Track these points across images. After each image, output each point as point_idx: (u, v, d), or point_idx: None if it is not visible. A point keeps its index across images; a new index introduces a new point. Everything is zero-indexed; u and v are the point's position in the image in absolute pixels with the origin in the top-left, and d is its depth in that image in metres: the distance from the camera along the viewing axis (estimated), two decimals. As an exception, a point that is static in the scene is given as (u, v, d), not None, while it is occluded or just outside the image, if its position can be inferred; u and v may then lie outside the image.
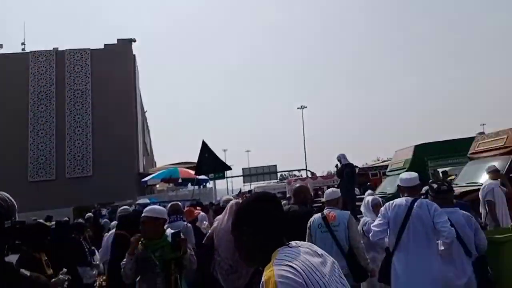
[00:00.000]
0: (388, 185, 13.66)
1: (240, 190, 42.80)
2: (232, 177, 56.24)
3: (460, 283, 4.11)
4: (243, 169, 44.67)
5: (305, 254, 1.54)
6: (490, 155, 9.99)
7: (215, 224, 4.65)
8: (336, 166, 10.73)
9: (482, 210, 7.25)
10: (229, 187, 65.80)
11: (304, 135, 50.35)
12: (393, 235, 4.15)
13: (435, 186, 4.59)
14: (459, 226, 4.20)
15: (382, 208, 4.39)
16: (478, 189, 7.77)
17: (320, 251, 1.65)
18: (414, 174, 4.49)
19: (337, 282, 1.59)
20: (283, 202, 11.52)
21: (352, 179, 10.32)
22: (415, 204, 4.10)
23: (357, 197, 10.80)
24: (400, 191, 4.52)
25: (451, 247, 4.09)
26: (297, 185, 6.12)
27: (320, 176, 30.11)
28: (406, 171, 12.48)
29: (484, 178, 9.33)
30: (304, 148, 51.03)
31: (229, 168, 14.88)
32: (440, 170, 13.40)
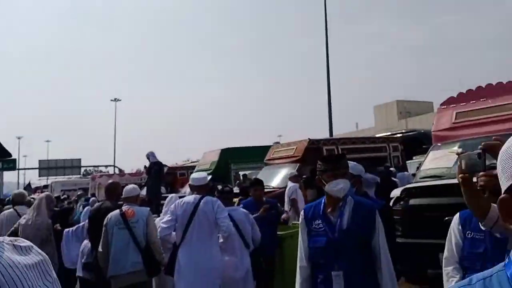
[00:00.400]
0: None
1: (29, 182, 38.19)
2: (25, 169, 49.48)
3: (239, 273, 4.67)
4: (40, 161, 40.08)
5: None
6: (282, 162, 11.38)
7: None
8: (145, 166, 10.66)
9: (286, 206, 8.54)
10: (21, 180, 57.88)
11: (115, 129, 48.08)
12: (180, 230, 4.44)
13: (219, 187, 5.27)
14: (240, 222, 4.77)
15: (172, 206, 4.67)
16: (273, 191, 8.84)
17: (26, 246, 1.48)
18: (203, 174, 5.00)
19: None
20: (92, 199, 10.75)
21: (159, 177, 10.32)
22: (202, 200, 4.47)
23: (163, 195, 10.84)
24: (191, 189, 4.85)
25: (229, 240, 4.55)
26: (110, 181, 6.05)
27: (128, 173, 29.14)
28: (212, 172, 13.24)
29: (276, 182, 10.56)
30: (114, 144, 48.75)
31: (8, 155, 13.05)
32: (241, 173, 14.55)
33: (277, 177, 10.72)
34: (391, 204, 6.29)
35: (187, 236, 4.37)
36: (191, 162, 27.68)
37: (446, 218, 5.37)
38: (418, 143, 14.65)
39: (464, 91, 8.01)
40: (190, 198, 4.57)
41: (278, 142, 17.48)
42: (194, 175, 4.99)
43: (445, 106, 8.03)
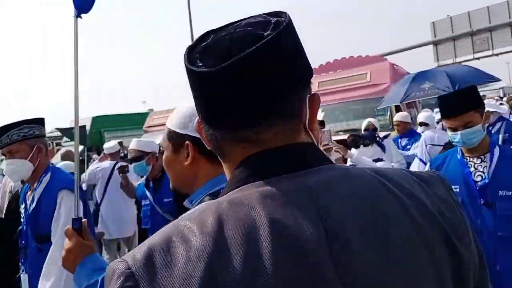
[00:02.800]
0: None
1: None
2: None
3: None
4: None
5: None
6: (162, 129, 11.67)
7: None
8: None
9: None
10: None
11: None
12: (100, 191, 5.15)
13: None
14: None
15: (90, 171, 5.29)
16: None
17: None
18: (113, 143, 5.64)
19: None
20: None
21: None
22: (116, 166, 5.06)
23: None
24: (104, 157, 5.65)
25: None
26: None
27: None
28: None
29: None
30: None
31: None
32: (117, 141, 14.34)
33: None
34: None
35: (106, 195, 5.08)
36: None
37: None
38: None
39: (324, 63, 9.45)
40: (106, 163, 5.34)
41: (151, 109, 17.48)
42: (107, 144, 5.72)
43: (309, 76, 9.36)
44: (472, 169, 2.16)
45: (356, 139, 4.08)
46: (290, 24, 0.63)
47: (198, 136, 0.72)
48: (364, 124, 4.75)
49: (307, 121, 0.64)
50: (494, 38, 22.12)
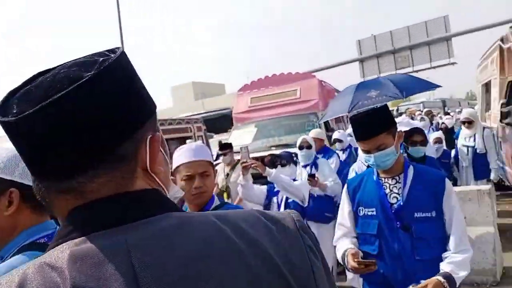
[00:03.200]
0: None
1: None
2: None
3: None
4: None
5: None
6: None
7: None
8: None
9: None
10: None
11: None
12: None
13: None
14: None
15: None
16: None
17: None
18: None
19: None
20: None
21: None
22: None
23: None
24: None
25: None
26: None
27: None
28: None
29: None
30: None
31: None
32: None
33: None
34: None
35: None
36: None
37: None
38: (218, 123, 16.25)
39: (253, 78, 9.61)
40: None
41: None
42: None
43: (242, 92, 9.47)
44: (387, 190, 2.07)
45: (274, 159, 4.07)
46: (118, 62, 0.59)
47: (27, 182, 0.68)
48: (298, 141, 4.74)
49: (148, 163, 0.60)
50: (414, 56, 23.67)
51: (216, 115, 18.61)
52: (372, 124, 2.04)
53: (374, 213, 2.06)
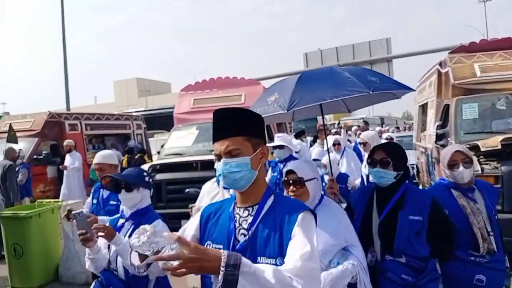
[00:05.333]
0: None
1: None
2: None
3: None
4: None
5: None
6: (18, 136, 10.30)
7: None
8: None
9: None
10: None
11: None
12: None
13: None
14: None
15: None
16: None
17: None
18: None
19: None
20: None
21: None
22: None
23: None
24: None
25: None
26: None
27: None
28: None
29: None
30: None
31: None
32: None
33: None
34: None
35: None
36: None
37: (187, 190, 6.39)
38: (161, 122, 15.74)
39: (200, 80, 9.38)
40: None
41: (7, 113, 15.47)
42: None
43: (185, 92, 9.18)
44: (237, 224, 1.59)
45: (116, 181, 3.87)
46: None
47: None
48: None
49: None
50: (357, 72, 24.57)
51: (159, 114, 18.03)
52: (234, 122, 1.56)
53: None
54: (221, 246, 1.54)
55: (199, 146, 7.32)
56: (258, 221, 1.55)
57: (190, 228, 1.73)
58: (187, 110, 8.57)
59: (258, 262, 1.45)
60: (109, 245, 2.56)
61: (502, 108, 5.28)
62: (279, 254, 1.47)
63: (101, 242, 2.55)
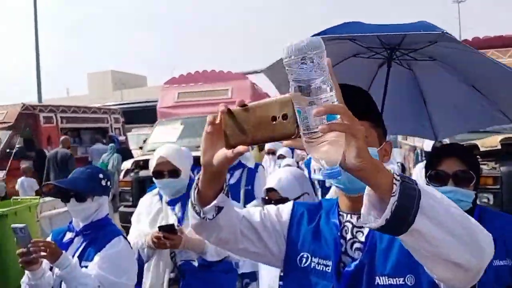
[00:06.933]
0: None
1: None
2: None
3: None
4: None
5: None
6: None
7: None
8: None
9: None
10: None
11: None
12: None
13: None
14: None
15: None
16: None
17: None
18: None
19: None
20: None
21: None
22: None
23: None
24: None
25: None
26: None
27: None
28: None
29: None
30: None
31: None
32: None
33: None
34: (121, 176, 6.60)
35: None
36: None
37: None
38: (140, 116, 15.32)
39: (177, 73, 9.11)
40: None
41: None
42: None
43: (168, 85, 8.89)
44: (348, 235, 1.19)
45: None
46: None
47: None
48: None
49: None
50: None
51: (137, 107, 17.57)
52: (364, 100, 1.19)
53: (329, 270, 1.16)
54: (329, 263, 1.16)
55: (184, 142, 7.05)
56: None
57: (272, 211, 1.28)
58: (171, 104, 8.29)
59: (378, 284, 1.11)
60: (51, 267, 1.95)
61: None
62: (410, 270, 1.09)
63: (46, 262, 1.95)
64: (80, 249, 2.03)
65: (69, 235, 2.10)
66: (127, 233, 2.59)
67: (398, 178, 0.81)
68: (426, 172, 1.85)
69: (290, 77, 0.76)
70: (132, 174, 6.34)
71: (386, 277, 1.11)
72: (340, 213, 1.22)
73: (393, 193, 0.79)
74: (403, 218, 0.79)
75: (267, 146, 6.41)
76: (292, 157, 6.24)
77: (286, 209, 1.29)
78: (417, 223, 0.79)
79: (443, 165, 1.77)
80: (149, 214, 2.49)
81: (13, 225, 1.92)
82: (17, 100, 10.71)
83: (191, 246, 2.23)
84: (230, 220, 1.10)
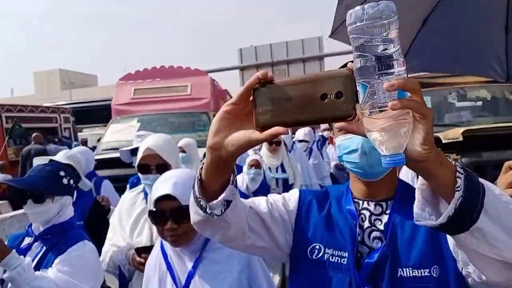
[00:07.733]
0: None
1: None
2: None
3: None
4: None
5: None
6: None
7: None
8: None
9: None
10: None
11: None
12: None
13: None
14: None
15: None
16: None
17: None
18: None
19: None
20: None
21: None
22: None
23: None
24: None
25: None
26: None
27: None
28: None
29: None
30: None
31: None
32: None
33: None
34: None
35: None
36: None
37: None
38: (92, 115, 14.69)
39: (141, 69, 8.74)
40: None
41: None
42: None
43: (124, 82, 8.50)
44: (366, 223, 1.10)
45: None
46: None
47: None
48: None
49: None
50: (290, 70, 24.88)
51: (89, 107, 16.82)
52: None
53: (345, 262, 1.06)
54: (345, 254, 1.06)
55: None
56: (398, 218, 1.05)
57: (279, 199, 1.18)
58: (127, 101, 7.91)
59: (401, 276, 1.02)
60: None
61: (454, 101, 5.39)
62: (435, 261, 1.01)
63: None
64: (39, 255, 1.79)
65: (27, 240, 1.86)
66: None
67: (462, 171, 0.73)
68: None
69: (356, 46, 0.64)
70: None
71: (411, 268, 1.02)
72: (355, 200, 1.13)
73: (458, 187, 0.71)
74: (467, 215, 0.71)
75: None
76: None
77: (293, 197, 1.20)
78: (481, 221, 0.71)
79: None
80: (130, 217, 2.19)
81: None
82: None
83: None
84: (239, 215, 0.97)
